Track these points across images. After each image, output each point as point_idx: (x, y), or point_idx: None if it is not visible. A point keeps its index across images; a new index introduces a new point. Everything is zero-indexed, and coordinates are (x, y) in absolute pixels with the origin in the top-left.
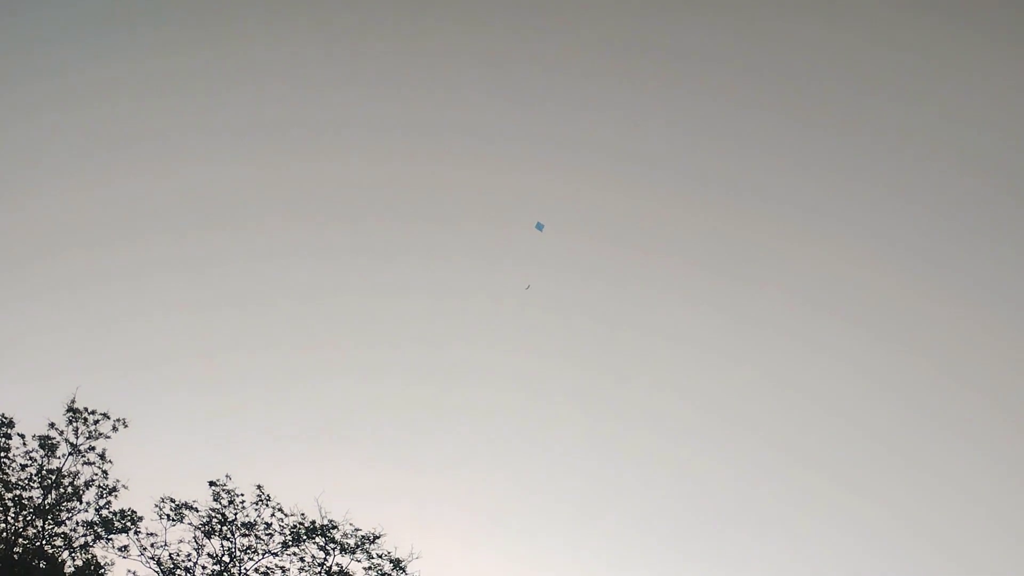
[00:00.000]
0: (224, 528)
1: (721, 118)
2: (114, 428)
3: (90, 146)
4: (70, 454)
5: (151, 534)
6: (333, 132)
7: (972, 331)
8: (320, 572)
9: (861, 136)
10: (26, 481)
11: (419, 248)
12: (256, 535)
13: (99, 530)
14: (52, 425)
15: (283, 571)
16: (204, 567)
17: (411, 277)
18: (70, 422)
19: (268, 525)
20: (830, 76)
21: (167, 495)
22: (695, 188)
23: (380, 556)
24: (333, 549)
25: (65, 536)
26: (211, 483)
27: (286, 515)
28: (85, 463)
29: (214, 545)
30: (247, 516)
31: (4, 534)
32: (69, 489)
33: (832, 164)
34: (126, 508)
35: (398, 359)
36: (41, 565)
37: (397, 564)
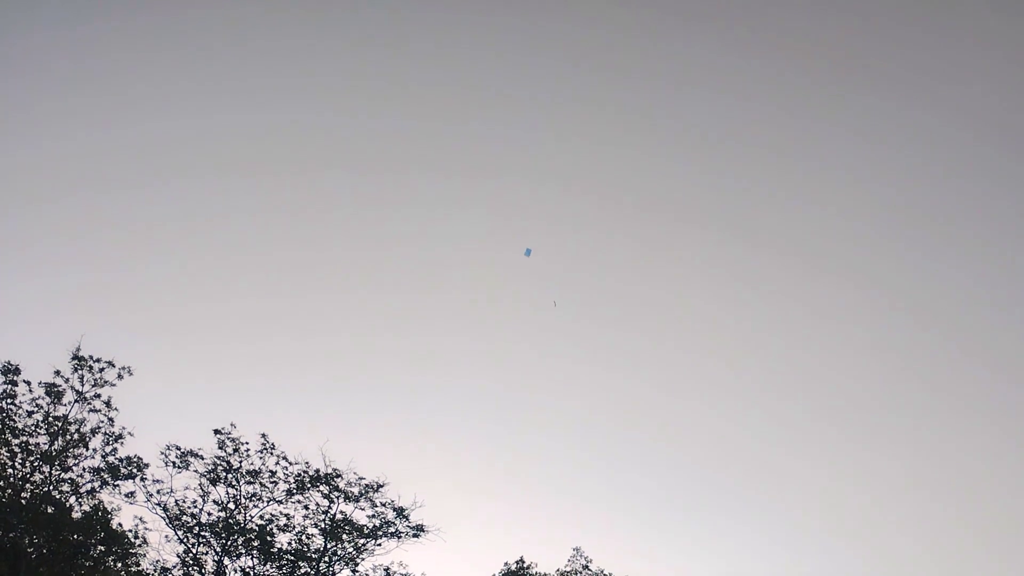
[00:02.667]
0: (229, 476)
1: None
2: (119, 376)
3: (97, 92)
4: (76, 401)
5: (157, 481)
6: (342, 81)
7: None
8: (324, 519)
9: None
10: (33, 427)
11: (425, 192)
12: (261, 483)
13: (106, 476)
14: (58, 373)
15: (288, 518)
16: (210, 513)
17: (413, 223)
18: (75, 370)
19: (273, 473)
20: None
21: (172, 443)
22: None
23: (384, 504)
24: (337, 497)
25: (72, 482)
26: (216, 431)
27: (291, 463)
28: (91, 410)
29: (219, 492)
30: (252, 464)
31: (12, 479)
32: (75, 436)
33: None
34: (132, 455)
35: (404, 308)
36: (49, 510)
37: (400, 512)
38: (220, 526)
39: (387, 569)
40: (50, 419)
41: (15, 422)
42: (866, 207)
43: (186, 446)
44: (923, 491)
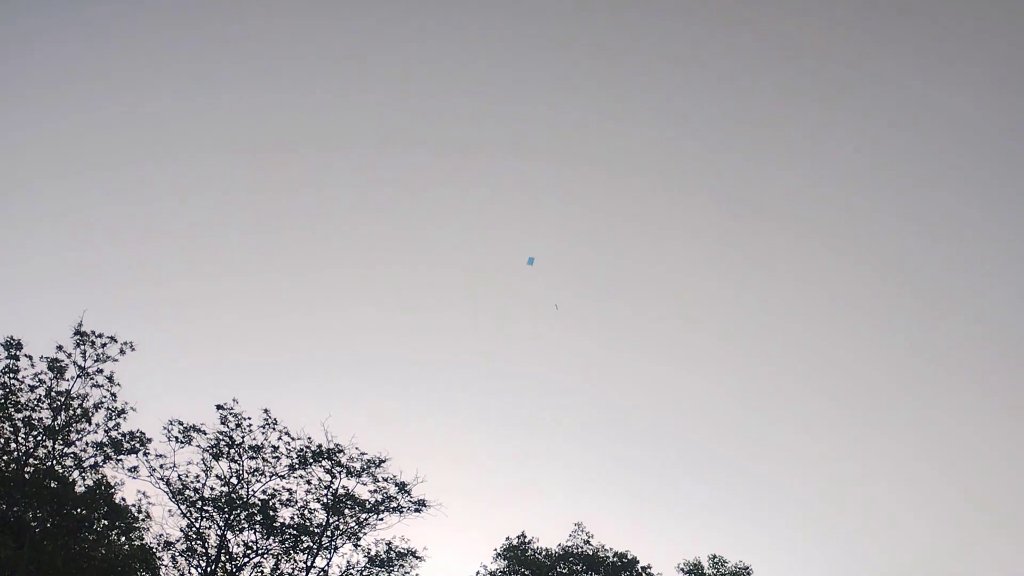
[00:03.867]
0: (231, 451)
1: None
2: (121, 351)
3: (100, 72)
4: (78, 376)
5: (160, 456)
6: (347, 64)
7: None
8: (326, 494)
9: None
10: (35, 402)
11: (428, 173)
12: (263, 458)
13: (109, 451)
14: (60, 348)
15: (290, 493)
16: (212, 488)
17: (416, 204)
18: (78, 345)
19: (275, 448)
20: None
21: (175, 418)
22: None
23: (386, 479)
24: (339, 472)
25: (75, 456)
26: (218, 406)
27: (293, 439)
28: (94, 385)
29: (222, 467)
30: (254, 439)
31: (15, 454)
32: (78, 411)
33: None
34: (135, 430)
35: (406, 287)
36: (52, 484)
37: (402, 487)
38: (223, 501)
39: (389, 543)
40: (53, 394)
41: (18, 397)
42: (880, 187)
43: (188, 421)
44: (932, 474)
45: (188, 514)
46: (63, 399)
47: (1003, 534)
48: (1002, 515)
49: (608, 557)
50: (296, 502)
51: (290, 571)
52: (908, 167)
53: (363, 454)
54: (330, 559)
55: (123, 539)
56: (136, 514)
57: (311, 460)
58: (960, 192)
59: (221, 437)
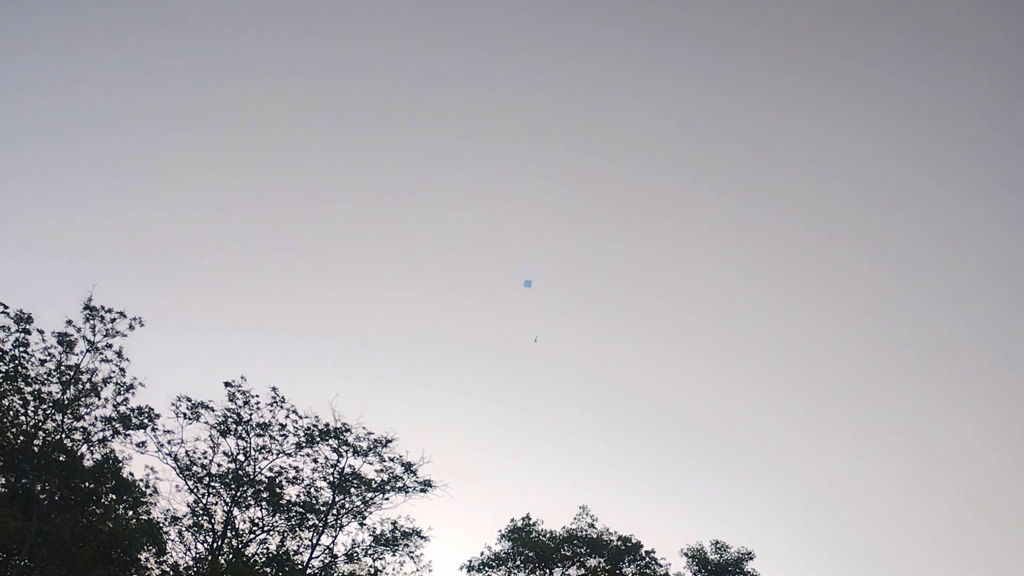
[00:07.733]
0: (239, 428)
1: None
2: (131, 327)
3: (102, 43)
4: (88, 351)
5: (168, 431)
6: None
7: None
8: (333, 473)
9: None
10: (45, 376)
11: (428, 152)
12: (271, 436)
13: (117, 426)
14: (70, 322)
15: (296, 471)
16: (220, 464)
17: (427, 186)
18: (87, 320)
19: (282, 426)
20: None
21: (183, 394)
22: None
23: (392, 459)
24: (346, 451)
25: (84, 430)
26: (226, 384)
27: (300, 417)
28: (103, 360)
29: (229, 444)
30: (262, 417)
31: (25, 427)
32: (87, 385)
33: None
34: (143, 405)
35: (416, 267)
36: (61, 458)
37: (408, 467)
38: (230, 477)
39: (394, 523)
40: (62, 368)
41: (28, 370)
42: (885, 184)
43: (197, 398)
44: (933, 470)
45: (195, 490)
46: (72, 373)
47: (1003, 532)
48: (1002, 513)
49: (612, 540)
50: (302, 480)
51: (295, 548)
52: (914, 165)
53: (370, 434)
54: (335, 537)
55: (130, 513)
56: (144, 489)
57: (318, 439)
58: (965, 190)
59: (229, 414)
